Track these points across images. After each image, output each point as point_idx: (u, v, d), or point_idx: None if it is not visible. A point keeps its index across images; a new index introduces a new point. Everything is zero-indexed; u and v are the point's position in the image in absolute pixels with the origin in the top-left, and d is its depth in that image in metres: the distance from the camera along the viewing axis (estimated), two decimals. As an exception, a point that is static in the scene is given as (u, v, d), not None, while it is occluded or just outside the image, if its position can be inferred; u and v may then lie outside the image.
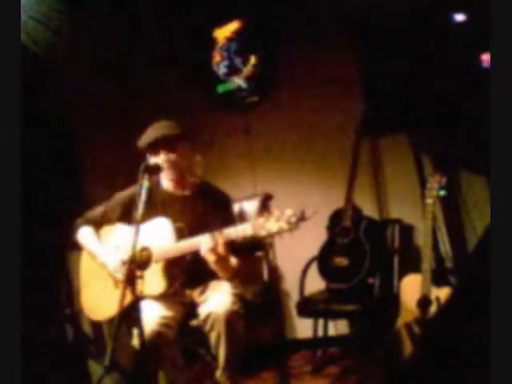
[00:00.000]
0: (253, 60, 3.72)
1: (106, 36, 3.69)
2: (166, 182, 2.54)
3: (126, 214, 2.46)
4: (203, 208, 2.49)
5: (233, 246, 2.30)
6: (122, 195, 2.58)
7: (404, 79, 3.17)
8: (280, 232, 2.11)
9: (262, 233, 2.14)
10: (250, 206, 3.10)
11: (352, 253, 3.12)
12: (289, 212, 2.10)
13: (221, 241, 2.21)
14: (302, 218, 2.08)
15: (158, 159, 2.41)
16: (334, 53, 3.53)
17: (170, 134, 2.43)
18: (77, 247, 2.62)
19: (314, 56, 3.58)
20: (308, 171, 3.66)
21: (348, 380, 3.03)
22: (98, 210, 2.59)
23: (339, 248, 3.17)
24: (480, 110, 2.36)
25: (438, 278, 2.48)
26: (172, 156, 2.43)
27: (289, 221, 2.09)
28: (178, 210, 2.48)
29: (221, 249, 2.21)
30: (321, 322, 3.37)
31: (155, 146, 2.43)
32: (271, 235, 2.14)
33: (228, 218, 2.51)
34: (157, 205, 2.46)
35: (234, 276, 2.43)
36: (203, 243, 2.23)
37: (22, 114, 1.74)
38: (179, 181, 2.52)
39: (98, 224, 2.57)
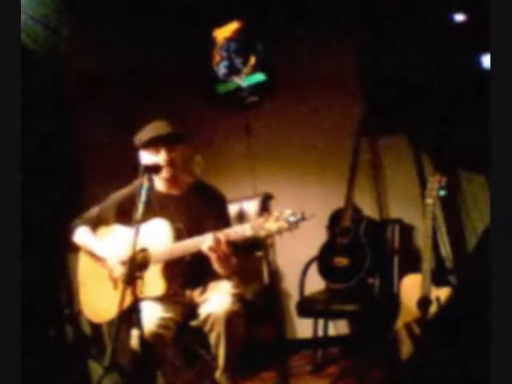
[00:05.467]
0: (253, 60, 3.72)
1: (106, 36, 3.69)
2: (160, 182, 2.52)
3: (122, 215, 2.46)
4: (198, 207, 2.48)
5: (233, 246, 2.30)
6: (116, 195, 2.57)
7: (404, 79, 3.16)
8: (280, 232, 2.11)
9: (262, 233, 2.14)
10: (250, 206, 3.10)
11: (352, 253, 3.12)
12: (288, 212, 2.10)
13: (222, 239, 2.21)
14: (301, 217, 2.09)
15: (158, 157, 2.40)
16: (333, 52, 3.53)
17: (174, 133, 2.43)
18: (75, 249, 2.61)
19: (314, 56, 3.58)
20: (308, 171, 3.66)
21: (348, 380, 3.03)
22: (94, 211, 2.58)
23: (339, 248, 3.17)
24: (480, 110, 2.35)
25: (438, 278, 2.48)
26: (174, 155, 2.42)
27: (288, 220, 2.09)
28: (174, 210, 2.47)
29: (222, 248, 2.21)
30: (321, 322, 3.37)
31: (157, 144, 2.41)
32: (271, 235, 2.14)
33: (223, 215, 2.51)
34: (153, 206, 2.44)
35: (233, 274, 2.43)
36: (205, 242, 2.22)
37: (22, 114, 1.73)
38: (173, 181, 2.51)
39: (94, 224, 2.55)
